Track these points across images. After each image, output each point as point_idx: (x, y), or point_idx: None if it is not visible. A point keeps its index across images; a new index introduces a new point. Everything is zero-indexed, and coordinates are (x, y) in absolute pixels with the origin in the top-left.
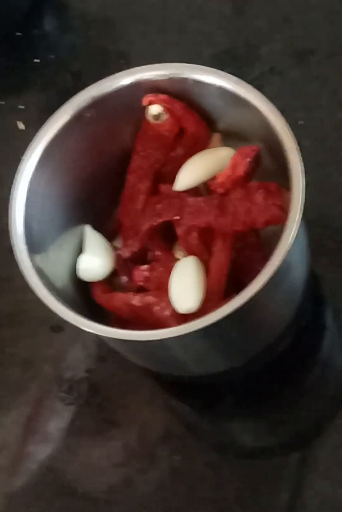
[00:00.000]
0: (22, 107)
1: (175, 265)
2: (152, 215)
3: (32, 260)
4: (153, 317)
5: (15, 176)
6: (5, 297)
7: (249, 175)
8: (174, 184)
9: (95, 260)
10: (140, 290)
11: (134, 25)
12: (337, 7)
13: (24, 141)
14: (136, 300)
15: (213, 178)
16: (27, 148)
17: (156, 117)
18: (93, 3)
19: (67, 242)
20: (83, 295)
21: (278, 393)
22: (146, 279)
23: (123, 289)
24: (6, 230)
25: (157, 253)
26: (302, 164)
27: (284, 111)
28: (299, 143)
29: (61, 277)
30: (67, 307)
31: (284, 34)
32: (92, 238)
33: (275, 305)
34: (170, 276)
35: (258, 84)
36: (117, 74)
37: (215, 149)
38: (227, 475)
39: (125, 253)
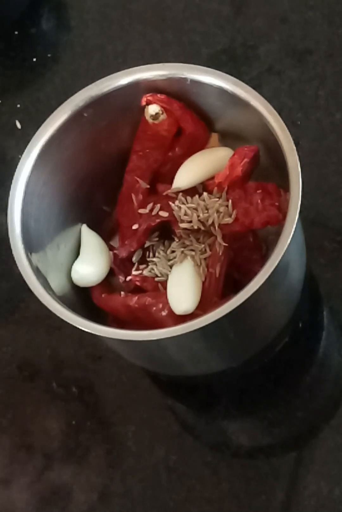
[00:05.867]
0: (20, 106)
1: (172, 265)
2: (150, 215)
3: (29, 259)
4: (150, 317)
5: (13, 175)
6: (1, 296)
7: (247, 176)
8: (172, 184)
9: (88, 268)
10: (137, 290)
11: (132, 24)
12: (335, 7)
13: (22, 140)
14: (133, 301)
15: (211, 178)
16: (26, 148)
17: (155, 117)
18: (91, 2)
19: (64, 241)
20: (80, 294)
21: (275, 393)
22: (143, 279)
23: (120, 288)
24: (4, 228)
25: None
26: (300, 164)
27: (282, 111)
28: (297, 143)
29: (58, 276)
30: (65, 306)
31: (282, 34)
32: (88, 239)
33: (273, 306)
34: (167, 277)
35: (256, 84)
36: (115, 74)
37: (213, 149)
38: (224, 475)
39: (122, 253)
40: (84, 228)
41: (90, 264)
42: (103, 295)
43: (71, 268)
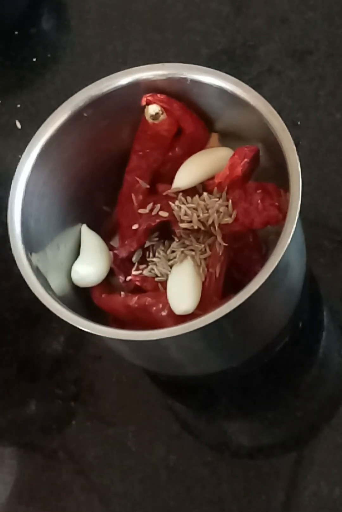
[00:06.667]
0: (20, 106)
1: (172, 265)
2: (150, 215)
3: (29, 259)
4: (150, 317)
5: (13, 175)
6: (1, 296)
7: (247, 176)
8: (172, 184)
9: (88, 269)
10: (137, 290)
11: (132, 24)
12: (335, 7)
13: (22, 140)
14: (133, 301)
15: (211, 178)
16: (26, 148)
17: (155, 116)
18: (91, 2)
19: (64, 241)
20: (80, 294)
21: (275, 393)
22: (143, 279)
23: (120, 288)
24: (4, 228)
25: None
26: (300, 164)
27: (282, 111)
28: (297, 143)
29: (58, 276)
30: (65, 306)
31: (282, 34)
32: (88, 239)
33: (273, 306)
34: (167, 277)
35: (256, 84)
36: (115, 74)
37: (213, 149)
38: (223, 475)
39: (122, 253)
40: (84, 228)
41: (90, 264)
42: (103, 295)
43: (71, 268)
